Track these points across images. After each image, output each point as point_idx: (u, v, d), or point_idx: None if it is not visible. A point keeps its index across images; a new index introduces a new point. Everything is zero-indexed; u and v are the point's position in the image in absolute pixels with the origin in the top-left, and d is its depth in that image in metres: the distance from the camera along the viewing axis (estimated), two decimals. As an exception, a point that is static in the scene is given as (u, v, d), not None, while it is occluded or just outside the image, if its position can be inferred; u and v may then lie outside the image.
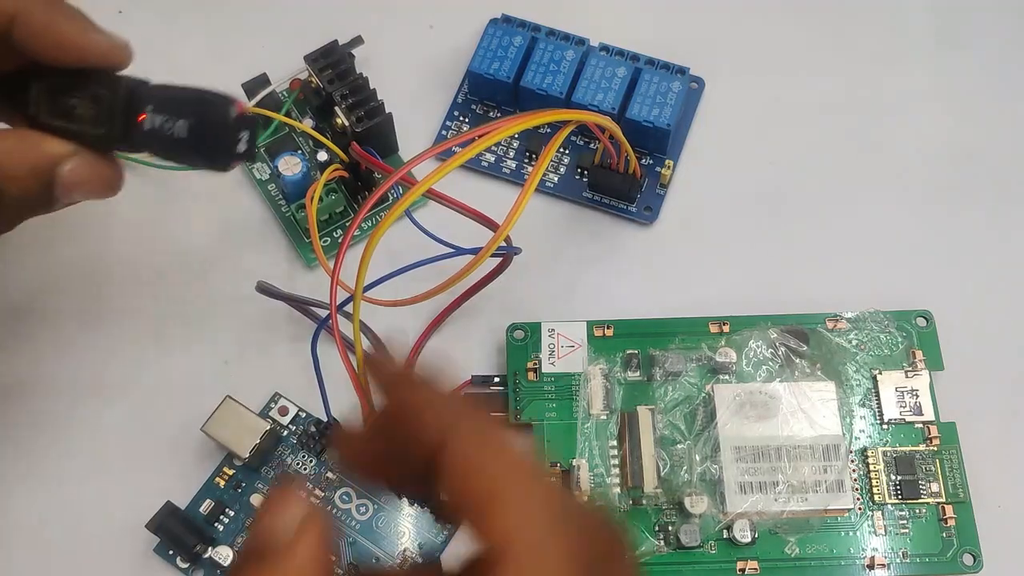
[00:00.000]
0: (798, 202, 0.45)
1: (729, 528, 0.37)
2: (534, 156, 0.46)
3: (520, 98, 0.46)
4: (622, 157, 0.42)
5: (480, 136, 0.35)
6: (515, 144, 0.46)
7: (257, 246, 0.44)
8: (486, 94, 0.47)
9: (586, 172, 0.45)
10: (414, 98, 0.47)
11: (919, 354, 0.40)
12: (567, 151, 0.46)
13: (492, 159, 0.46)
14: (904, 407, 0.39)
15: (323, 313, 0.40)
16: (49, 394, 0.42)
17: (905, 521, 0.38)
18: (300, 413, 0.41)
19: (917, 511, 0.38)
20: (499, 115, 0.47)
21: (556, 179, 0.45)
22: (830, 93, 0.47)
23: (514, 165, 0.46)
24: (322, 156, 0.43)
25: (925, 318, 0.41)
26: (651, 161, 0.45)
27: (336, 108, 0.42)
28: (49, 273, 0.44)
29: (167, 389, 0.42)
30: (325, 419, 0.39)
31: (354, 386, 0.34)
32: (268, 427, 0.39)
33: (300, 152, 0.44)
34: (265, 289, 0.39)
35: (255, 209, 0.45)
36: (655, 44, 0.45)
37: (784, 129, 0.47)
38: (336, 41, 0.43)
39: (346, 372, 0.35)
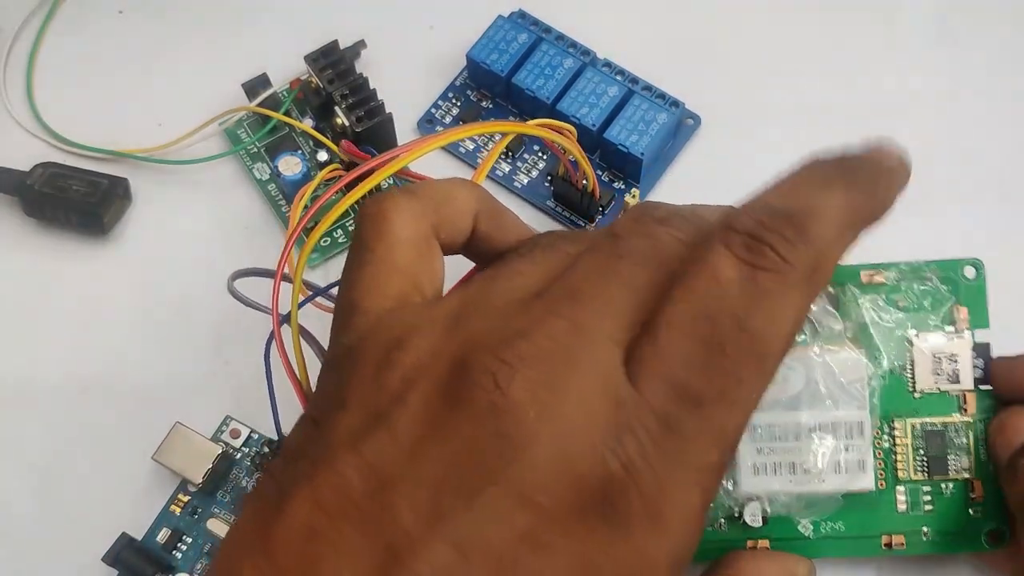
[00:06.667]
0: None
1: (740, 510, 0.35)
2: (512, 153, 0.46)
3: (512, 95, 0.46)
4: (581, 175, 0.42)
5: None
6: (495, 137, 0.46)
7: (256, 247, 0.44)
8: (484, 83, 0.47)
9: (552, 181, 0.45)
10: (415, 99, 0.47)
11: (963, 311, 0.36)
12: (544, 156, 0.46)
13: (471, 147, 0.46)
14: (940, 375, 0.35)
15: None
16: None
17: (929, 498, 0.35)
18: (252, 435, 0.40)
19: (943, 487, 0.35)
20: (492, 106, 0.47)
21: (526, 181, 0.46)
22: (828, 93, 0.47)
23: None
24: (322, 156, 0.43)
25: (975, 267, 0.36)
26: (623, 185, 0.45)
27: (336, 108, 0.42)
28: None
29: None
30: (277, 437, 0.37)
31: (296, 392, 0.32)
32: (220, 451, 0.38)
33: (300, 152, 0.44)
34: (233, 292, 0.37)
35: (255, 209, 0.45)
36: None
37: (782, 130, 0.46)
38: (336, 41, 0.43)
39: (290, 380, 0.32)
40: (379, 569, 0.20)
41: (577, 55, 0.45)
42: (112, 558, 0.37)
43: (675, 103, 0.44)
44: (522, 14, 0.47)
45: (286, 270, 0.33)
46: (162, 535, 0.39)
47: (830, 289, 0.36)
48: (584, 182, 0.42)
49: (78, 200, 0.43)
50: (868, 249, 0.35)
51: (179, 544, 0.39)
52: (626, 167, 0.45)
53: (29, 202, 0.44)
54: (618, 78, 0.45)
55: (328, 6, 0.49)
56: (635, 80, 0.45)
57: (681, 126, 0.46)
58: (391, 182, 0.44)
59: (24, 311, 0.44)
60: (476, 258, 0.30)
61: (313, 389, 0.29)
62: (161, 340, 0.43)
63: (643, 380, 0.21)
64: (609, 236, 0.25)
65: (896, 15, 0.49)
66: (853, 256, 0.33)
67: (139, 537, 0.38)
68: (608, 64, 0.46)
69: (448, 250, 0.28)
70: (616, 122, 0.44)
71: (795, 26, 0.49)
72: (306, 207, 0.41)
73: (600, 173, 0.45)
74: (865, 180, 0.24)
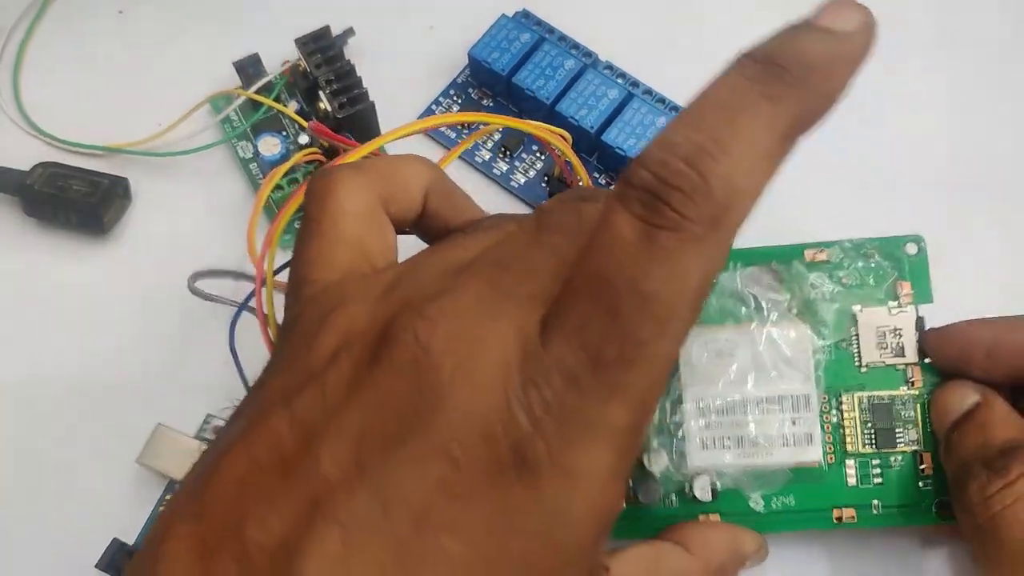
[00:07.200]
0: (793, 205, 0.43)
1: (690, 485, 0.34)
2: (509, 152, 0.45)
3: (512, 94, 0.45)
4: (575, 177, 0.41)
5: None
6: (495, 136, 0.46)
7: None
8: (484, 81, 0.47)
9: (548, 182, 0.44)
10: (416, 96, 0.47)
11: (906, 287, 0.35)
12: (542, 156, 0.45)
13: (469, 145, 0.46)
14: (885, 348, 0.35)
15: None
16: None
17: (879, 471, 0.35)
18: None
19: (892, 460, 0.35)
20: (492, 104, 0.47)
21: (523, 181, 0.45)
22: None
23: (488, 156, 0.45)
24: (303, 139, 0.43)
25: (916, 243, 0.36)
26: (620, 187, 0.44)
27: (320, 93, 0.41)
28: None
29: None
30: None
31: None
32: (205, 448, 0.38)
33: (284, 133, 0.44)
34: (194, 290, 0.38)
35: (238, 190, 0.45)
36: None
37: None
38: (328, 27, 0.43)
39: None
40: (302, 518, 0.21)
41: (579, 56, 0.45)
42: (105, 564, 0.37)
43: (675, 107, 0.44)
44: (526, 14, 0.47)
45: (251, 261, 0.33)
46: (153, 537, 0.38)
47: (774, 266, 0.36)
48: (579, 184, 0.41)
49: (78, 200, 0.44)
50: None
51: (171, 546, 0.38)
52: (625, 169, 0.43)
53: (29, 202, 0.44)
54: (619, 81, 0.44)
55: (329, 6, 0.49)
56: (636, 83, 0.44)
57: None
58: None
59: (24, 311, 0.44)
60: (428, 237, 0.31)
61: None
62: (160, 340, 0.42)
63: (550, 338, 0.21)
64: (537, 212, 0.26)
65: (895, 17, 0.48)
66: (796, 236, 0.36)
67: (131, 542, 0.37)
68: (609, 66, 0.45)
69: (399, 225, 0.29)
70: (615, 125, 0.43)
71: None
72: (280, 187, 0.41)
73: (598, 176, 0.44)
74: (799, 73, 0.21)
